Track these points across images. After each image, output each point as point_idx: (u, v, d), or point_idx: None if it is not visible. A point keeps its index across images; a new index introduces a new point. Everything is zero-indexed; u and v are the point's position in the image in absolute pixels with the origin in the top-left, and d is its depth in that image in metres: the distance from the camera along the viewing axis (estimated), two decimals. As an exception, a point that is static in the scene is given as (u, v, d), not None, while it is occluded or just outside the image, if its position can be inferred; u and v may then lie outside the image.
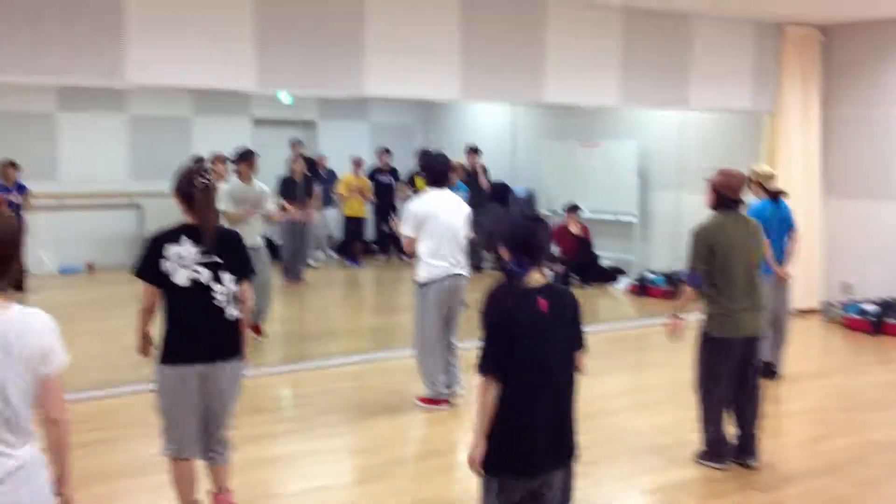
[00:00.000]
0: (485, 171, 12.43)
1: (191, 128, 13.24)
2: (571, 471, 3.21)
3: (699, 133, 10.89)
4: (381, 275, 12.98)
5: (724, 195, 4.95)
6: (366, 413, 6.08)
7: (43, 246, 11.52)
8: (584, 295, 11.02)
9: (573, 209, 11.66)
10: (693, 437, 5.24)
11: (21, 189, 10.35)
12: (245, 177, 7.62)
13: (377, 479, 4.91)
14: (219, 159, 10.15)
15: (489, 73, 7.81)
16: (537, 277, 3.07)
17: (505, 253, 3.06)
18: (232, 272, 3.93)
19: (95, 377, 6.54)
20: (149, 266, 3.83)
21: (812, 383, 7.02)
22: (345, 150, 13.79)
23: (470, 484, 4.78)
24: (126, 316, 9.64)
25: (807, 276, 9.19)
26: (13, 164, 10.28)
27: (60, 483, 2.56)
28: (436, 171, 6.10)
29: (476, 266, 10.38)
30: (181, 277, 3.81)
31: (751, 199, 7.29)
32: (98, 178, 12.44)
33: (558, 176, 12.59)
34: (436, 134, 14.98)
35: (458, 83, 7.66)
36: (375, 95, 7.54)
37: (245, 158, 7.69)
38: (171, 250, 3.81)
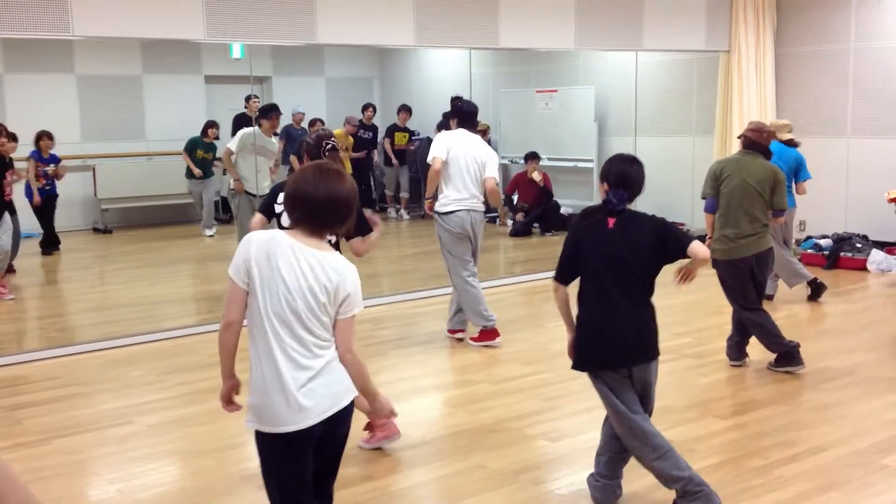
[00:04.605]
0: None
1: (141, 87, 12.98)
2: (651, 367, 3.61)
3: (654, 77, 10.91)
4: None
5: (754, 141, 5.52)
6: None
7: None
8: (546, 243, 11.08)
9: (533, 157, 11.66)
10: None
11: (55, 160, 10.15)
12: (267, 130, 8.63)
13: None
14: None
15: (443, 18, 7.74)
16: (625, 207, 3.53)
17: (604, 187, 3.53)
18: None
19: (52, 337, 6.51)
20: (266, 205, 4.46)
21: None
22: (301, 106, 13.59)
23: (500, 411, 4.84)
24: (83, 278, 9.62)
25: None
26: (49, 136, 10.04)
27: (366, 392, 2.86)
28: (465, 111, 6.26)
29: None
30: (286, 220, 4.02)
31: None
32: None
33: (516, 124, 12.57)
34: (392, 87, 14.84)
35: (412, 29, 7.59)
36: (329, 44, 7.45)
37: (267, 115, 8.67)
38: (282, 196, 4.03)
